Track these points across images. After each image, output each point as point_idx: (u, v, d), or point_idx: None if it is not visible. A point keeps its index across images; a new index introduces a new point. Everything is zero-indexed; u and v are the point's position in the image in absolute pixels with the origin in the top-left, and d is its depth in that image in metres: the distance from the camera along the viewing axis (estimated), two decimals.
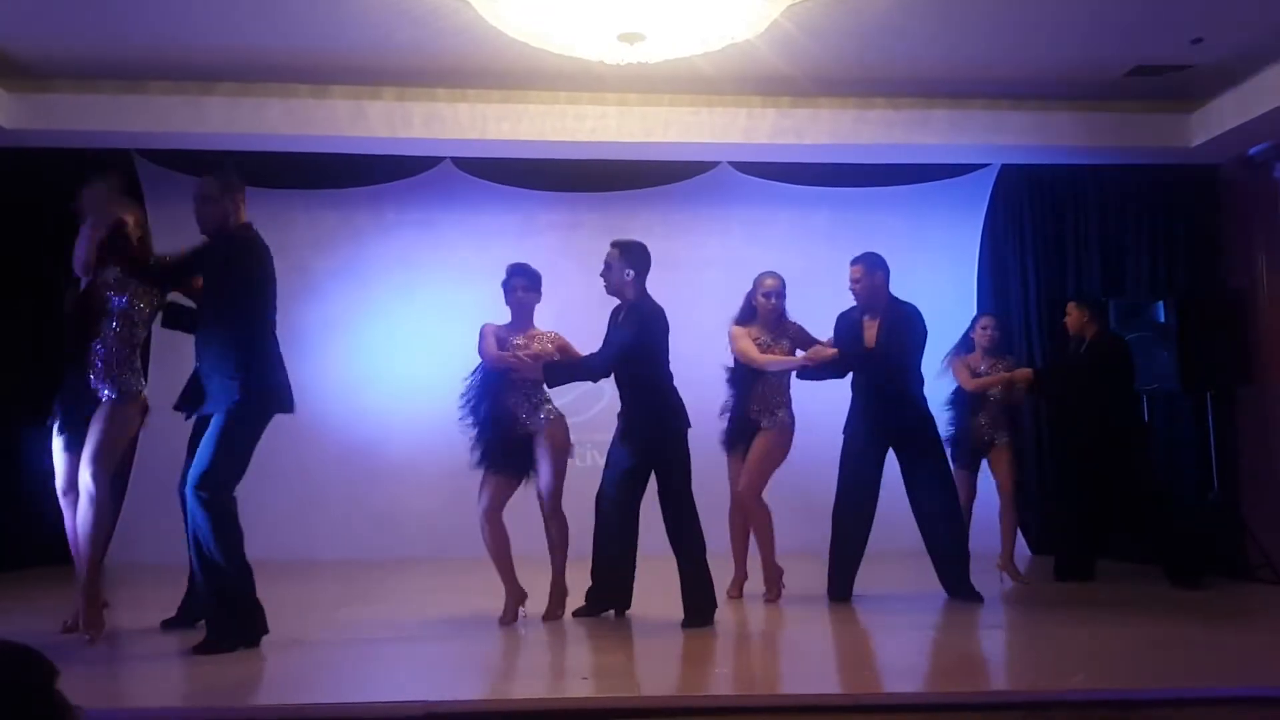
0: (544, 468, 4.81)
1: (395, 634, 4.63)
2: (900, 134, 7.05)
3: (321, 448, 7.35)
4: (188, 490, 4.17)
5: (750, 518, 5.37)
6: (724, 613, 4.86)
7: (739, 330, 5.40)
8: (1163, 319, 6.92)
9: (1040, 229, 7.83)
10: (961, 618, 5.02)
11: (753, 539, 5.42)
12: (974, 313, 7.70)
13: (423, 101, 6.81)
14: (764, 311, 5.40)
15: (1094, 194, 7.75)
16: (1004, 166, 7.67)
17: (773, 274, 5.44)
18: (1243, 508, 7.00)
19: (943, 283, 7.39)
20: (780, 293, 5.41)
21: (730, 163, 7.51)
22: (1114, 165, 7.54)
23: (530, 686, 3.96)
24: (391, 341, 7.56)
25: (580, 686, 3.79)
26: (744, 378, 5.38)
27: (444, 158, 7.35)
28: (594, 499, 4.99)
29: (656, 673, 4.01)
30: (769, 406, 5.33)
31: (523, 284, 4.96)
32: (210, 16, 5.71)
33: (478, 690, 3.58)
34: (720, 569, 4.99)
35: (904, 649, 4.48)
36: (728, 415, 5.44)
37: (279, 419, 4.03)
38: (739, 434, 5.40)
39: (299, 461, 7.21)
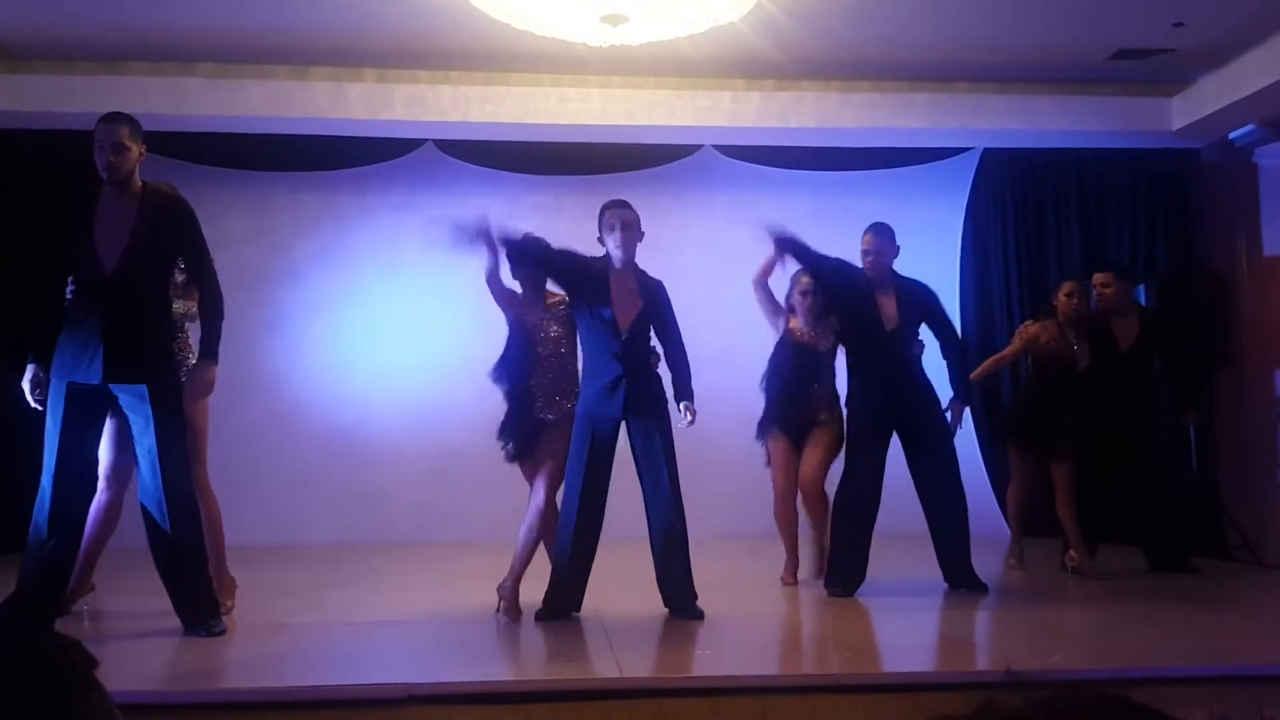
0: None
1: (377, 617, 4.62)
2: (884, 117, 7.05)
3: (304, 431, 7.33)
4: (181, 472, 4.14)
5: (816, 507, 5.29)
6: (717, 597, 4.78)
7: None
8: (1143, 301, 6.96)
9: (1022, 212, 7.84)
10: (948, 601, 5.05)
11: (805, 525, 5.38)
12: (956, 295, 7.74)
13: (404, 83, 6.77)
14: (802, 309, 5.44)
15: (1075, 177, 7.77)
16: (986, 150, 7.68)
17: (806, 271, 5.38)
18: (1220, 489, 7.06)
19: (925, 266, 7.35)
20: (817, 290, 5.37)
21: (714, 146, 7.49)
22: (1096, 149, 7.56)
23: (511, 669, 3.97)
24: (374, 325, 7.53)
25: (564, 669, 3.79)
26: (802, 368, 5.38)
27: (426, 140, 7.31)
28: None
29: (640, 655, 4.02)
30: (828, 400, 5.37)
31: (541, 274, 4.75)
32: None
33: (459, 673, 3.58)
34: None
35: (889, 630, 4.52)
36: (774, 400, 5.42)
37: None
38: (795, 423, 5.36)
39: (281, 445, 7.20)
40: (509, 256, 4.65)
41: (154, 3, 5.75)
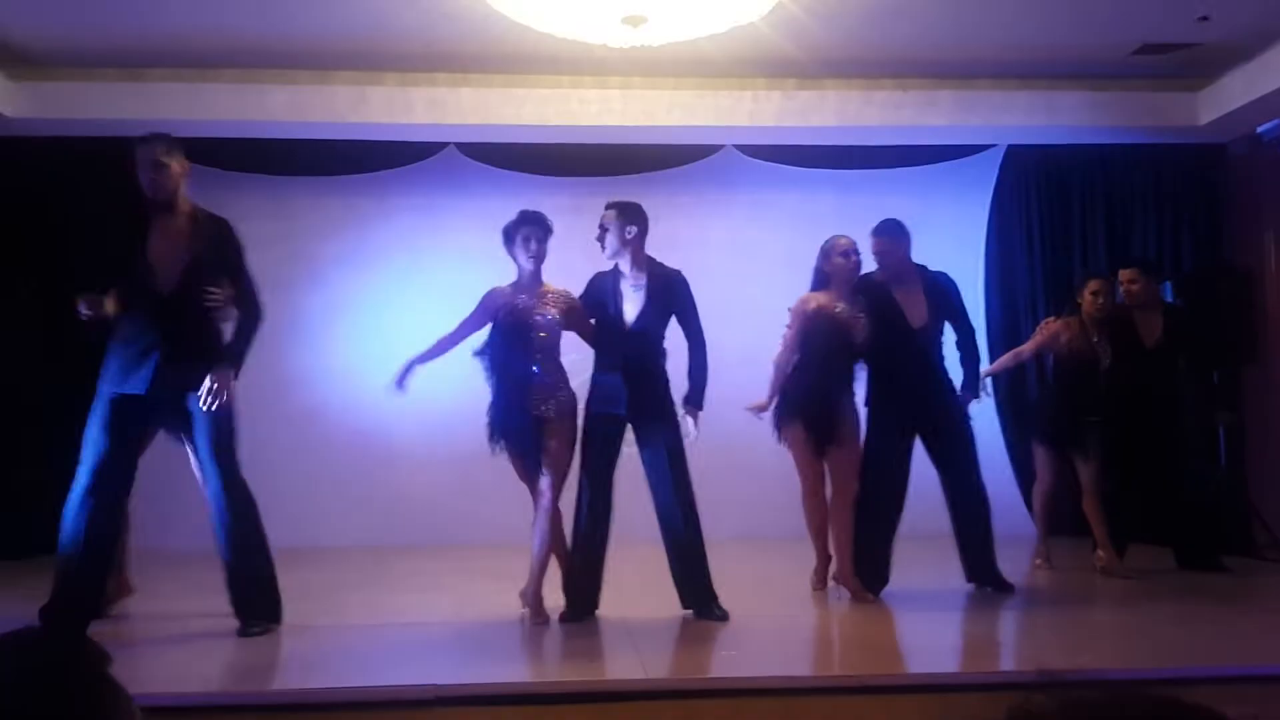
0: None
1: (400, 619, 4.64)
2: (907, 115, 7.00)
3: (326, 434, 7.35)
4: (231, 476, 4.21)
5: (849, 510, 5.00)
6: (741, 599, 4.73)
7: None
8: (1169, 298, 6.89)
9: (1046, 209, 7.78)
10: (974, 601, 5.01)
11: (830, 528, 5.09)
12: (981, 293, 7.69)
13: (424, 87, 6.78)
14: (843, 274, 4.96)
15: (1100, 174, 7.71)
16: (1010, 147, 7.62)
17: (844, 235, 5.05)
18: (1249, 487, 6.98)
19: (949, 264, 7.30)
20: (858, 250, 4.97)
21: (735, 146, 7.47)
22: (1121, 145, 7.49)
23: (536, 670, 3.98)
24: (396, 327, 7.52)
25: (588, 670, 3.79)
26: (832, 353, 4.93)
27: (448, 143, 7.33)
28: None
29: (664, 656, 4.02)
30: (848, 396, 5.04)
31: (539, 234, 4.62)
32: (211, 3, 5.68)
33: (484, 674, 3.58)
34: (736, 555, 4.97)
35: (915, 632, 4.49)
36: (794, 387, 5.03)
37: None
38: (816, 417, 4.96)
39: (303, 447, 7.22)
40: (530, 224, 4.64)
41: (175, 9, 5.78)
